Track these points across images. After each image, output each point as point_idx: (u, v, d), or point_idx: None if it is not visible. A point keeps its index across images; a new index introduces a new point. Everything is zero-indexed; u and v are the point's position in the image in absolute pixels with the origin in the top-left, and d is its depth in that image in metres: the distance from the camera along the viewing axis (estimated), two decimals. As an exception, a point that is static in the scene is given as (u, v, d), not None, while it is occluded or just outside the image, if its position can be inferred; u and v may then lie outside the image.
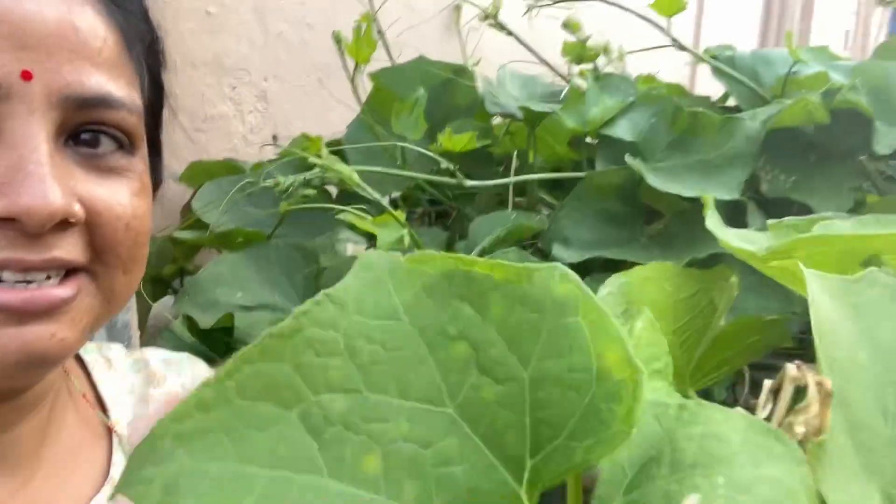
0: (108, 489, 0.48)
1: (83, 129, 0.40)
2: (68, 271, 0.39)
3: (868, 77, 1.01)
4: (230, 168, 1.34)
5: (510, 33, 1.07)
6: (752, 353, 0.53)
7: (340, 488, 0.18)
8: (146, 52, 0.46)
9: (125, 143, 0.42)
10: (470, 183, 0.87)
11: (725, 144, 0.90)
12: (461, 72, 1.17)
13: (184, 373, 0.58)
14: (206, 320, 0.81)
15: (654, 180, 0.85)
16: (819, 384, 0.24)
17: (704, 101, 1.15)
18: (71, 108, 0.38)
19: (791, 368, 0.25)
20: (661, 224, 0.94)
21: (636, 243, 0.92)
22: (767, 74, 1.11)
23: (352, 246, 0.99)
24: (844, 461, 0.23)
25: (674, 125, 0.92)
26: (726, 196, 0.84)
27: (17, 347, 0.36)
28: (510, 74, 1.15)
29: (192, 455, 0.18)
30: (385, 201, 0.74)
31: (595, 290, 0.80)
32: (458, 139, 0.84)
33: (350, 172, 0.64)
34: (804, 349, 0.61)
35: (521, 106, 0.96)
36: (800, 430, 0.23)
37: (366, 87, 1.19)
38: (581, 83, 1.00)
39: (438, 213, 1.21)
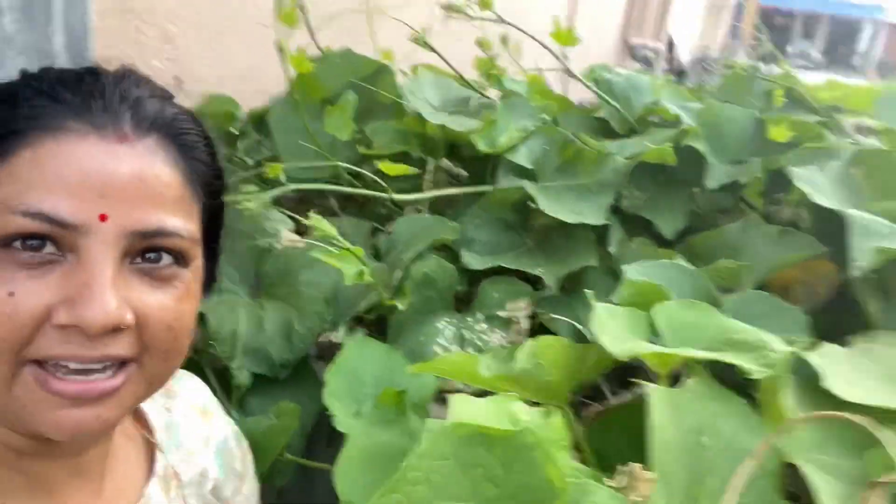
0: (154, 480, 0.64)
1: (148, 250, 0.50)
2: (121, 364, 0.49)
3: (708, 117, 1.28)
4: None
5: (432, 49, 1.20)
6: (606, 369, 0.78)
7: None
8: (206, 186, 0.55)
9: (178, 259, 0.52)
10: (398, 197, 1.03)
11: (598, 174, 1.13)
12: (383, 70, 1.29)
13: (185, 385, 0.74)
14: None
15: (544, 203, 1.07)
16: (648, 477, 0.47)
17: (586, 115, 1.38)
18: (136, 238, 0.49)
19: (637, 468, 0.47)
20: (545, 231, 1.17)
21: (523, 247, 1.15)
22: (636, 100, 1.35)
23: (286, 232, 1.13)
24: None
25: (562, 154, 1.14)
26: (596, 222, 1.08)
27: (70, 426, 0.48)
28: (426, 76, 1.30)
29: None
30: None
31: (492, 290, 1.01)
32: (395, 167, 1.00)
33: (331, 230, 0.79)
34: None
35: (440, 124, 1.12)
36: (636, 498, 0.46)
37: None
38: (493, 99, 1.18)
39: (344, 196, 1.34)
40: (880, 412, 0.60)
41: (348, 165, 1.08)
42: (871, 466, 0.55)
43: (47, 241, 0.47)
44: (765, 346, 0.61)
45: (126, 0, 1.55)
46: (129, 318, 0.48)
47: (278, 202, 1.22)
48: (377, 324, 1.06)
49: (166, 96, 0.56)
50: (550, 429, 0.47)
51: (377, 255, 1.11)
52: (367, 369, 0.88)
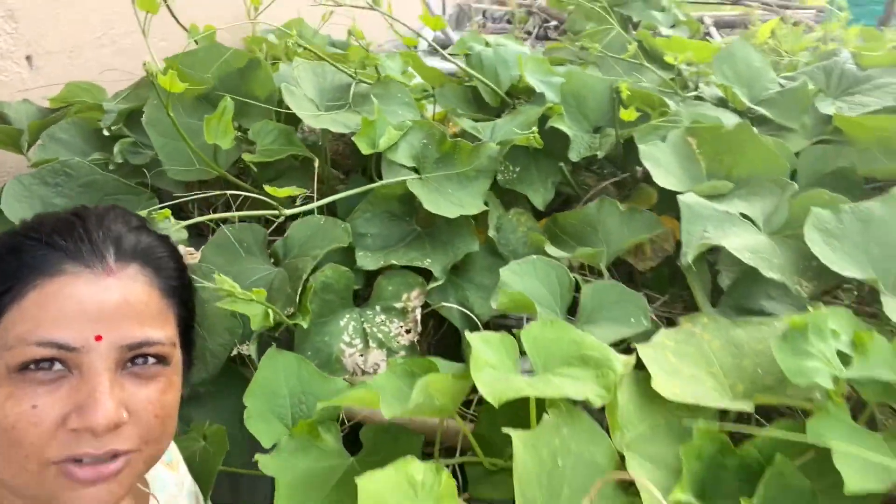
0: None
1: (136, 357, 0.62)
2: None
3: (570, 87, 1.38)
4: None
5: (307, 45, 1.21)
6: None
7: None
8: (179, 295, 0.66)
9: (161, 359, 0.63)
10: (288, 212, 1.09)
11: (475, 161, 1.23)
12: (255, 64, 1.29)
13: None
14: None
15: (426, 199, 1.16)
16: None
17: (461, 88, 1.44)
18: (125, 350, 0.60)
19: None
20: (431, 217, 1.27)
21: (413, 234, 1.25)
22: (504, 74, 1.43)
23: (183, 248, 1.16)
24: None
25: (440, 147, 1.22)
26: (475, 210, 1.19)
27: (89, 502, 0.60)
28: (302, 67, 1.31)
29: None
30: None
31: (388, 284, 1.13)
32: (285, 190, 1.05)
33: (233, 285, 0.84)
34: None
35: (323, 129, 1.17)
36: None
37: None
38: (370, 86, 1.22)
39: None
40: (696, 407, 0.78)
41: (233, 179, 1.12)
42: (684, 454, 0.73)
43: (56, 362, 0.59)
44: (608, 363, 0.77)
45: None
46: (124, 415, 0.61)
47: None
48: (285, 329, 1.15)
49: (141, 226, 0.68)
50: (442, 485, 0.60)
51: (276, 261, 1.18)
52: (283, 384, 0.97)
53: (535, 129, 1.23)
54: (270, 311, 0.88)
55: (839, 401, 0.72)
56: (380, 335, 1.13)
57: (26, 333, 0.58)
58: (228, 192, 1.18)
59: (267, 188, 1.03)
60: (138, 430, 0.62)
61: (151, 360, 0.63)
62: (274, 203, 1.12)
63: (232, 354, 1.08)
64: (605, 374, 0.75)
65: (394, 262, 1.15)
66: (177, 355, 0.67)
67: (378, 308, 1.15)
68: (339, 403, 0.82)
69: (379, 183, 1.19)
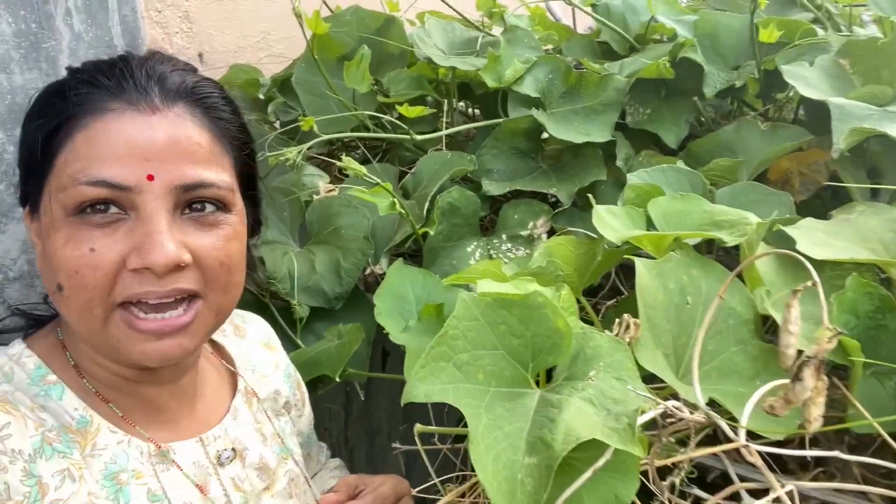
0: (237, 396, 0.78)
1: (193, 202, 0.62)
2: (190, 300, 0.62)
3: (704, 27, 1.33)
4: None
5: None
6: (615, 264, 0.89)
7: (468, 386, 0.50)
8: (234, 140, 0.67)
9: (220, 206, 0.64)
10: (419, 137, 1.14)
11: (602, 94, 1.22)
12: (391, 22, 1.38)
13: (253, 325, 0.88)
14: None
15: (553, 128, 1.17)
16: (635, 322, 0.58)
17: (587, 41, 1.45)
18: (180, 191, 0.61)
19: (627, 316, 0.59)
20: (557, 154, 1.26)
21: (539, 171, 1.25)
22: (633, 21, 1.41)
23: (322, 184, 1.25)
24: (647, 345, 0.58)
25: (566, 81, 1.22)
26: (602, 139, 1.17)
27: (156, 356, 0.61)
28: (432, 23, 1.38)
29: (427, 381, 0.49)
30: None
31: (513, 212, 1.14)
32: (413, 109, 1.10)
33: (361, 168, 0.90)
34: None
35: (450, 66, 1.22)
36: (628, 339, 0.57)
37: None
38: (498, 36, 1.26)
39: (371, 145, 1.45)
40: (851, 265, 0.70)
41: (371, 113, 1.19)
42: (837, 306, 0.65)
43: (111, 205, 0.59)
44: (745, 221, 0.71)
45: (146, -14, 1.66)
46: (186, 256, 0.60)
47: (311, 160, 1.34)
48: (413, 255, 1.18)
49: (188, 68, 0.67)
50: (559, 298, 0.59)
51: (406, 194, 1.23)
52: (409, 290, 1.00)
53: (665, 58, 1.20)
54: (397, 201, 0.92)
55: None
56: (506, 261, 1.13)
57: (77, 173, 0.58)
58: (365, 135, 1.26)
59: (400, 109, 1.09)
60: (203, 275, 0.62)
61: (210, 206, 0.62)
62: (407, 138, 1.18)
63: (366, 272, 1.13)
64: (742, 228, 0.70)
65: (520, 187, 1.16)
66: (239, 204, 0.66)
67: (504, 236, 1.16)
68: (464, 279, 0.82)
69: (505, 119, 1.22)
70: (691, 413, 0.51)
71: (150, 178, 0.58)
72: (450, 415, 0.90)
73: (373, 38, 1.33)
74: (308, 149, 1.20)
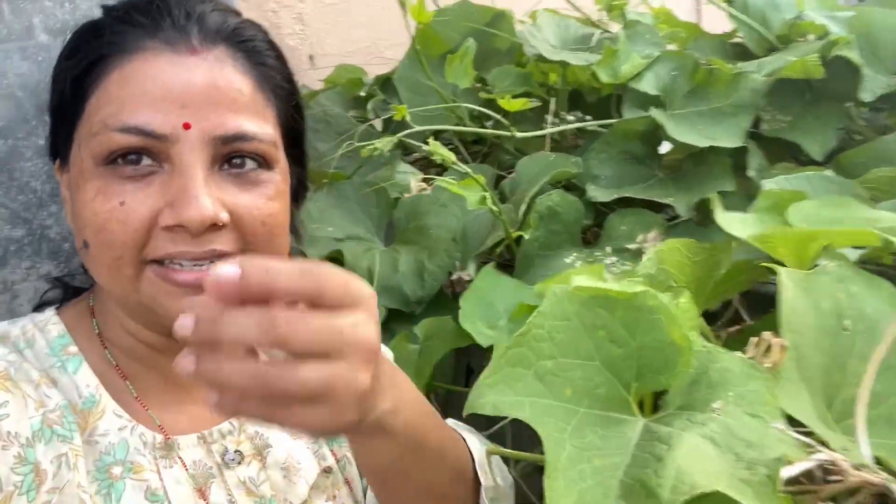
0: None
1: (233, 156, 0.56)
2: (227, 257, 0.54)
3: (860, 26, 1.15)
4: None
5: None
6: (742, 285, 0.74)
7: (551, 403, 0.39)
8: (278, 90, 0.60)
9: (262, 163, 0.57)
10: (521, 135, 1.04)
11: (734, 95, 1.07)
12: (500, 17, 1.30)
13: None
14: (312, 253, 1.01)
15: (674, 130, 1.03)
16: (780, 344, 0.44)
17: (718, 41, 1.30)
18: (218, 143, 0.55)
19: (767, 334, 0.45)
20: (676, 163, 1.12)
21: (654, 179, 1.11)
22: (775, 18, 1.25)
23: (414, 182, 1.18)
24: (791, 378, 0.45)
25: (692, 78, 1.08)
26: (731, 145, 1.02)
27: None
28: (545, 19, 1.28)
29: (498, 389, 0.39)
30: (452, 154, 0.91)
31: (620, 223, 1.00)
32: (514, 102, 1.01)
33: (450, 155, 0.82)
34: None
35: (560, 60, 1.11)
36: (768, 365, 0.44)
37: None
38: (616, 32, 1.14)
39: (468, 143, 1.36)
40: None
41: (471, 106, 1.10)
42: None
43: (143, 155, 0.54)
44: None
45: (261, -15, 1.68)
46: (223, 215, 0.54)
47: (405, 158, 1.28)
48: (505, 265, 1.08)
49: (228, 9, 0.61)
50: (678, 307, 0.46)
51: (503, 198, 1.13)
52: (499, 298, 0.90)
53: (815, 55, 1.03)
54: (489, 196, 0.82)
55: None
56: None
57: (109, 118, 0.54)
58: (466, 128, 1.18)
59: (501, 102, 0.99)
60: (242, 236, 0.55)
61: (251, 162, 0.56)
62: (507, 134, 1.08)
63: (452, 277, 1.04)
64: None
65: (630, 194, 1.03)
66: (283, 161, 0.60)
67: (608, 249, 1.03)
68: (562, 283, 0.71)
69: (618, 119, 1.09)
70: (857, 469, 0.37)
71: (187, 126, 0.53)
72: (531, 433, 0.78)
73: (481, 28, 1.25)
74: (399, 140, 1.13)
